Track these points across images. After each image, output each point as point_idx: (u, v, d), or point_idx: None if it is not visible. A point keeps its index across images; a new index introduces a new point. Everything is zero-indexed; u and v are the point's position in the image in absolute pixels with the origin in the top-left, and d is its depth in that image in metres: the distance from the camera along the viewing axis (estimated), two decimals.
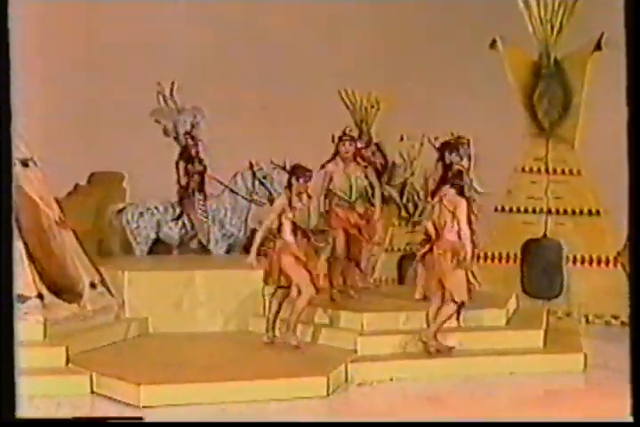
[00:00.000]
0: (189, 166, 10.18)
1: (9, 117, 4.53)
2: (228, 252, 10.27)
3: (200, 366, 7.36)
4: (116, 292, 8.63)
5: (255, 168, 10.11)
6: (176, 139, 10.36)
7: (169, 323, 8.62)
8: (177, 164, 10.23)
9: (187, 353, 7.89)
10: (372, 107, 11.75)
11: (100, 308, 8.31)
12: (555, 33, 10.21)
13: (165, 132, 10.41)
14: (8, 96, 4.50)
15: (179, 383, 6.87)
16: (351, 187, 8.66)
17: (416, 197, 11.36)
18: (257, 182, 10.06)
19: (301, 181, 7.80)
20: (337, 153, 8.74)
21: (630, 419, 4.80)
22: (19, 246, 7.37)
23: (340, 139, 8.74)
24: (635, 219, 4.63)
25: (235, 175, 10.21)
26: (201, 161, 10.25)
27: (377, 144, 11.58)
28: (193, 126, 10.29)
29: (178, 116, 10.33)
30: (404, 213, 11.58)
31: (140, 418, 5.91)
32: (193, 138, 10.25)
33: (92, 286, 8.36)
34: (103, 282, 8.53)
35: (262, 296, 8.61)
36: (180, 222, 10.21)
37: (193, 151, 10.23)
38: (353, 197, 8.69)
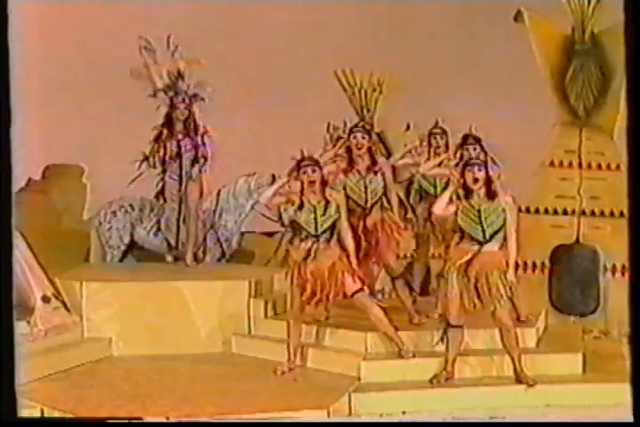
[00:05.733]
0: (164, 137, 9.57)
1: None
2: (219, 260, 10.16)
3: (175, 398, 7.15)
4: (74, 307, 8.41)
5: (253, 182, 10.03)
6: (154, 96, 9.69)
7: (137, 344, 8.38)
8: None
9: (159, 382, 7.63)
10: (374, 90, 11.65)
11: (53, 326, 8.13)
12: (592, 2, 10.16)
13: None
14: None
15: (149, 420, 6.62)
16: (366, 190, 8.29)
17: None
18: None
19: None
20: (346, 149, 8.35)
21: (631, 419, 5.12)
22: None
23: (351, 131, 8.34)
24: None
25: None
26: (188, 131, 9.61)
27: (379, 134, 11.39)
28: (175, 79, 9.63)
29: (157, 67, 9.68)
30: (410, 215, 11.28)
31: (140, 418, 6.37)
32: (177, 95, 9.59)
33: (45, 299, 8.17)
34: (58, 295, 8.33)
35: (248, 311, 8.53)
36: (153, 222, 9.96)
37: (177, 113, 9.57)
38: (368, 204, 8.29)
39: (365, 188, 8.28)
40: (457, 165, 8.43)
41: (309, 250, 7.63)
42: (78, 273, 9.13)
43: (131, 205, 10.00)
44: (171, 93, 9.58)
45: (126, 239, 10.05)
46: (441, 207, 7.43)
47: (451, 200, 7.43)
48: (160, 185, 9.70)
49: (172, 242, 9.89)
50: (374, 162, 8.32)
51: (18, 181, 10.63)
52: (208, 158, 9.56)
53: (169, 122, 9.55)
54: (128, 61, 9.88)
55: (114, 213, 10.01)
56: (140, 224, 9.99)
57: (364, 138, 8.26)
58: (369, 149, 8.31)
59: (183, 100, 9.53)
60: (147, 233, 9.99)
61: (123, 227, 10.01)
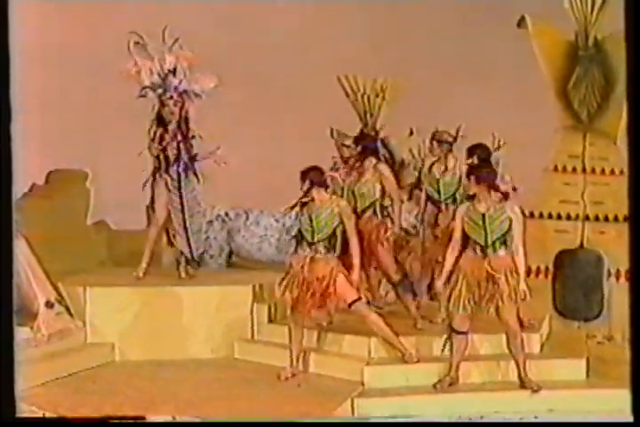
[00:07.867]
0: (157, 137, 9.09)
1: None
2: None
3: (178, 403, 7.16)
4: (77, 312, 8.38)
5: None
6: (142, 96, 9.18)
7: (140, 349, 8.37)
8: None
9: (161, 387, 7.62)
10: (377, 96, 11.42)
11: (56, 331, 8.09)
12: (595, 8, 10.02)
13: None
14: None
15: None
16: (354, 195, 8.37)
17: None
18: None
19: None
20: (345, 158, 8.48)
21: (630, 419, 5.11)
22: None
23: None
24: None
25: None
26: (181, 132, 9.13)
27: (382, 139, 11.02)
28: (164, 76, 9.09)
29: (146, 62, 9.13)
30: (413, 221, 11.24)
31: (143, 418, 6.51)
32: (165, 92, 9.05)
33: (49, 305, 8.12)
34: (62, 300, 8.28)
35: (251, 316, 8.55)
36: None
37: (166, 111, 9.08)
38: (359, 209, 8.33)
39: (353, 192, 8.34)
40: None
41: (306, 257, 7.60)
42: (82, 278, 9.07)
43: (227, 214, 10.06)
44: (159, 91, 9.05)
45: (226, 248, 10.08)
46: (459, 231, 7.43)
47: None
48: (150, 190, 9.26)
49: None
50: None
51: (21, 187, 10.61)
52: (195, 161, 9.13)
53: (161, 121, 9.08)
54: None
55: (210, 222, 10.00)
56: (238, 233, 10.02)
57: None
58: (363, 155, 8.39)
59: (171, 98, 9.04)
60: (245, 242, 10.06)
61: (221, 236, 10.06)
